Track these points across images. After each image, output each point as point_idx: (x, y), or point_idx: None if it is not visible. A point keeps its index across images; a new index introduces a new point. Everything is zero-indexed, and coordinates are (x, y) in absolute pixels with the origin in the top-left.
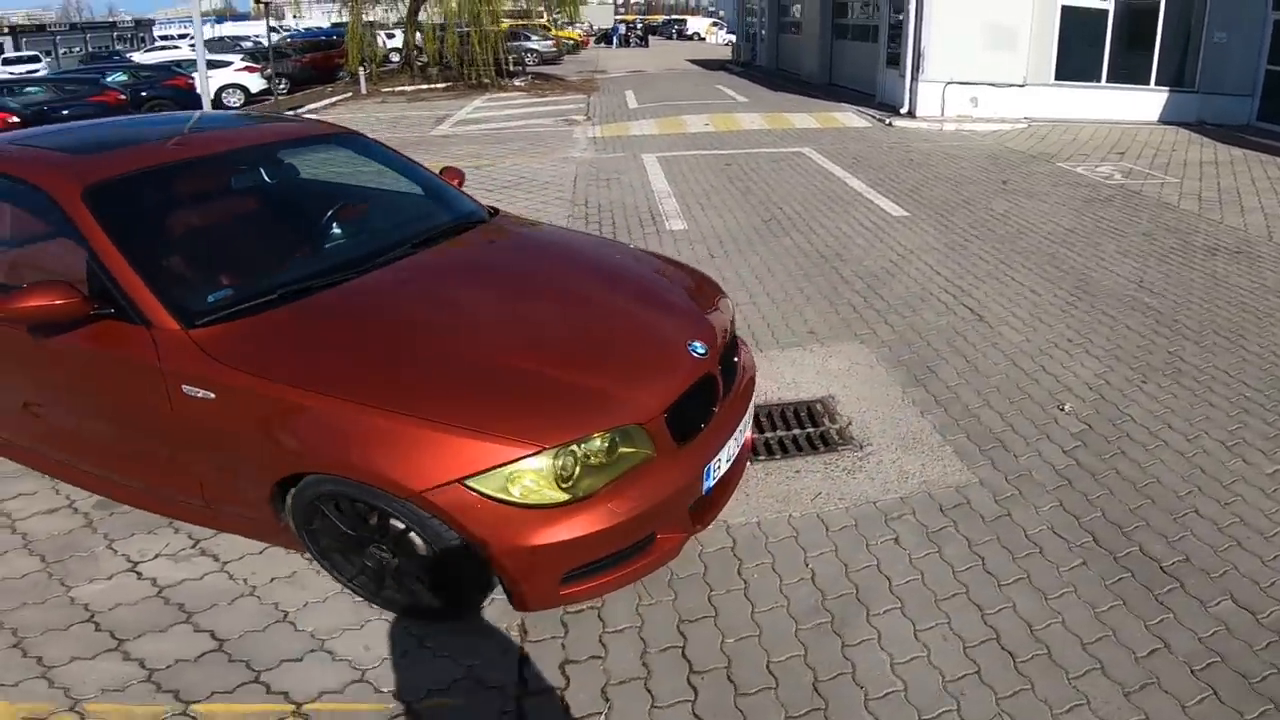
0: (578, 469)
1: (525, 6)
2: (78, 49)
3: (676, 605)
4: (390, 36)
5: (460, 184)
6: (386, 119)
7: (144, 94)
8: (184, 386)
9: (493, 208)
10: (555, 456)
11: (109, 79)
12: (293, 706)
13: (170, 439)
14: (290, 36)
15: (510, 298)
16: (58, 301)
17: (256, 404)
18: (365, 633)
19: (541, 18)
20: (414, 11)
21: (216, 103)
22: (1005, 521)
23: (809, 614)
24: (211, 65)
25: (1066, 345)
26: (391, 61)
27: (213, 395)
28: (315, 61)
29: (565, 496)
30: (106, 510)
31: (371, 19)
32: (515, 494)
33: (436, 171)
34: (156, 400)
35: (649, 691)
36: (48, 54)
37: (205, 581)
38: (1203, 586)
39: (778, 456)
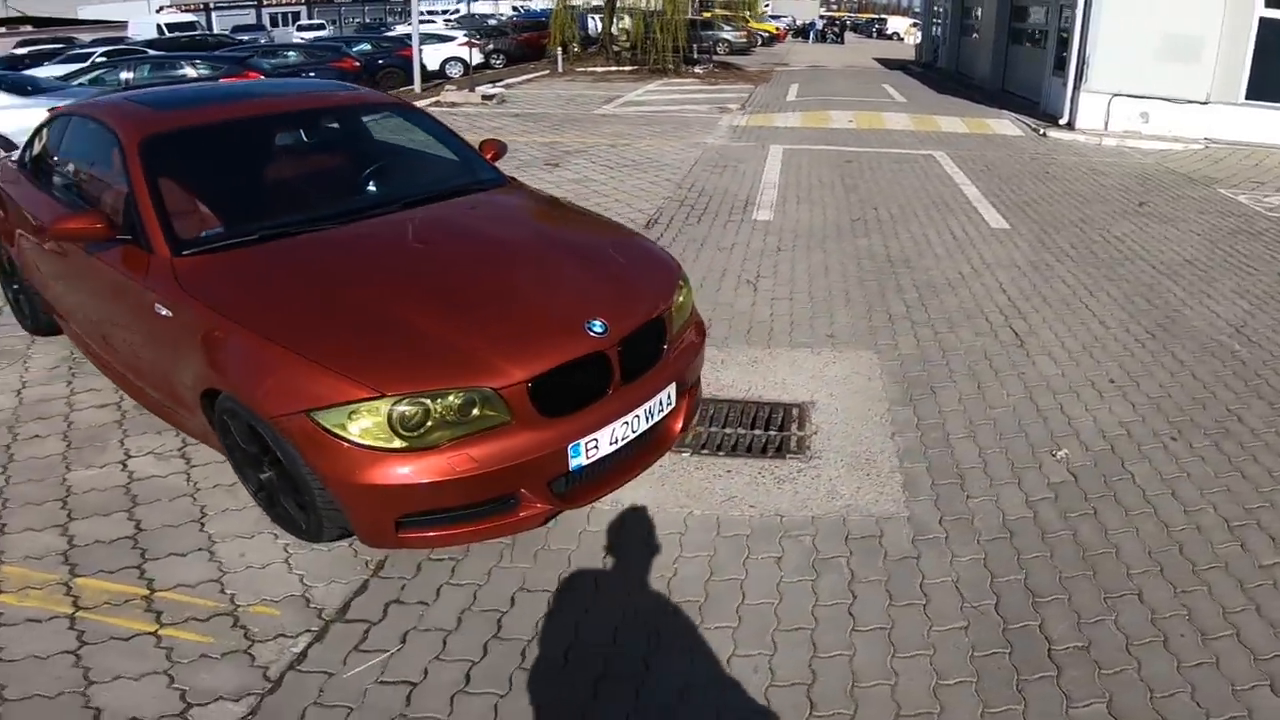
0: (429, 421)
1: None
2: (356, 19)
3: (527, 574)
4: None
5: (495, 155)
6: (564, 96)
7: (380, 62)
8: (156, 304)
9: (510, 178)
10: (396, 403)
11: (353, 49)
12: (146, 592)
13: (148, 347)
14: (517, 16)
15: (443, 257)
16: (95, 225)
17: (195, 325)
18: (251, 543)
19: (737, 10)
20: None
21: (440, 73)
22: (908, 564)
23: (641, 613)
24: (439, 39)
25: (1105, 386)
26: (593, 44)
27: (171, 314)
28: (529, 40)
29: (401, 443)
30: (140, 410)
31: (577, 3)
32: (354, 432)
33: (478, 143)
34: (141, 313)
35: (444, 643)
36: (333, 23)
37: (167, 480)
38: (1083, 682)
39: (721, 453)
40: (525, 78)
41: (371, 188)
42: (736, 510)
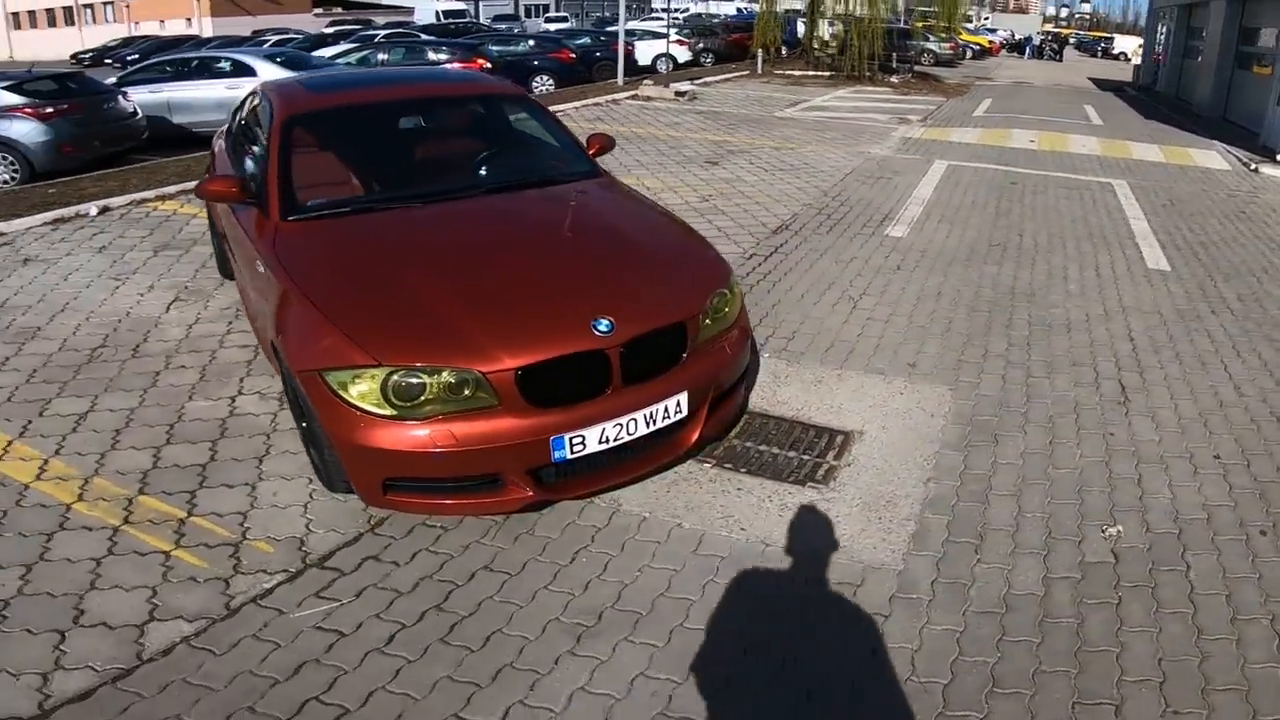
0: (423, 395)
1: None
2: (596, 14)
3: (499, 555)
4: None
5: (600, 149)
6: (753, 97)
7: (597, 55)
8: (258, 261)
9: (604, 173)
10: (391, 374)
11: (574, 41)
12: (184, 516)
13: (255, 298)
14: (736, 17)
15: (487, 244)
16: (231, 189)
17: (275, 283)
18: (289, 484)
19: (946, 20)
20: (814, 2)
21: (651, 68)
22: (868, 623)
23: (576, 613)
24: (654, 36)
25: (1205, 461)
26: (796, 48)
27: (265, 271)
28: (738, 41)
29: (392, 411)
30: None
31: (786, 7)
32: (353, 394)
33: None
34: (253, 268)
35: (390, 604)
36: (575, 16)
37: (258, 418)
38: None
39: (743, 470)
40: (723, 77)
41: (465, 172)
42: (725, 530)
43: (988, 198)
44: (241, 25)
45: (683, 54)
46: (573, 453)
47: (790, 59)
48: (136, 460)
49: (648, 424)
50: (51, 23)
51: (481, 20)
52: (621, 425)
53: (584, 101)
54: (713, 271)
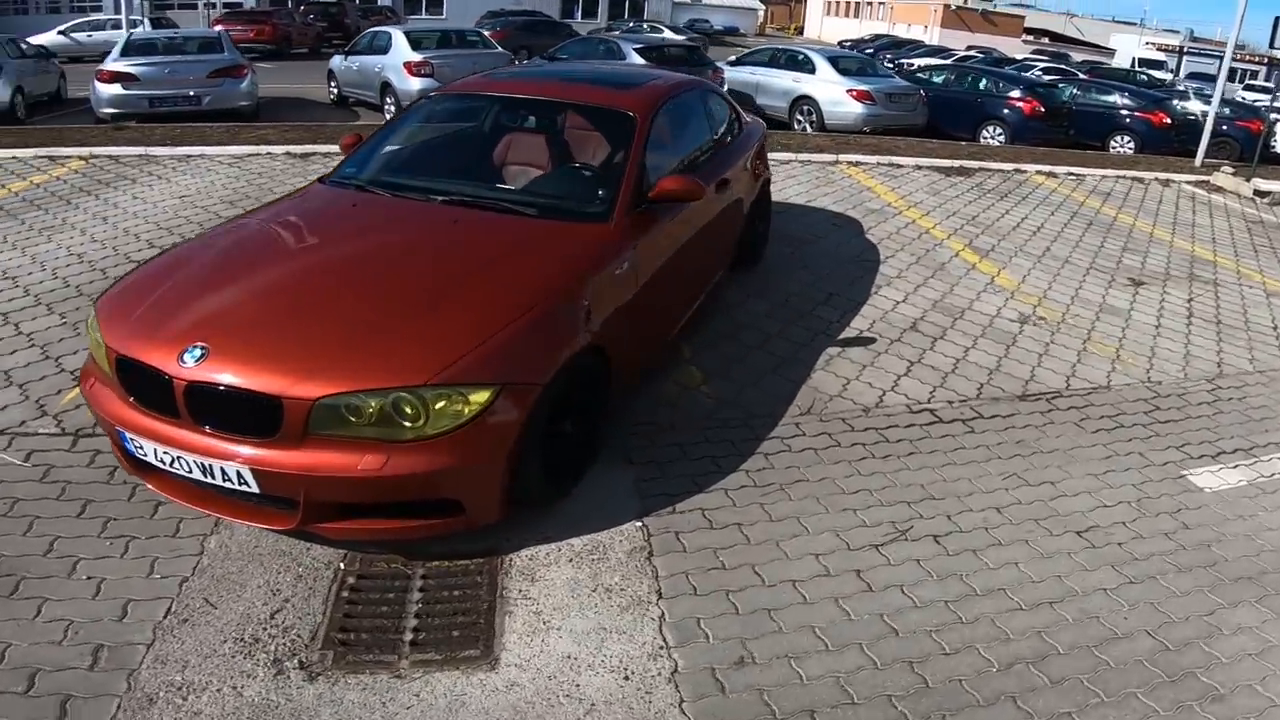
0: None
1: None
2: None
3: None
4: None
5: (671, 195)
6: None
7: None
8: None
9: (617, 217)
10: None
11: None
12: None
13: None
14: None
15: (336, 256)
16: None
17: None
18: None
19: None
20: None
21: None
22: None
23: None
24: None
25: None
26: None
27: None
28: None
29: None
30: None
31: None
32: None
33: None
34: None
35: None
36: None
37: None
38: None
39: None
40: None
41: (494, 183)
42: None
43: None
44: (959, 39)
45: None
46: (139, 453)
47: None
48: None
49: (203, 472)
50: (848, 14)
51: (1180, 74)
52: (177, 458)
53: (1123, 173)
54: (409, 366)
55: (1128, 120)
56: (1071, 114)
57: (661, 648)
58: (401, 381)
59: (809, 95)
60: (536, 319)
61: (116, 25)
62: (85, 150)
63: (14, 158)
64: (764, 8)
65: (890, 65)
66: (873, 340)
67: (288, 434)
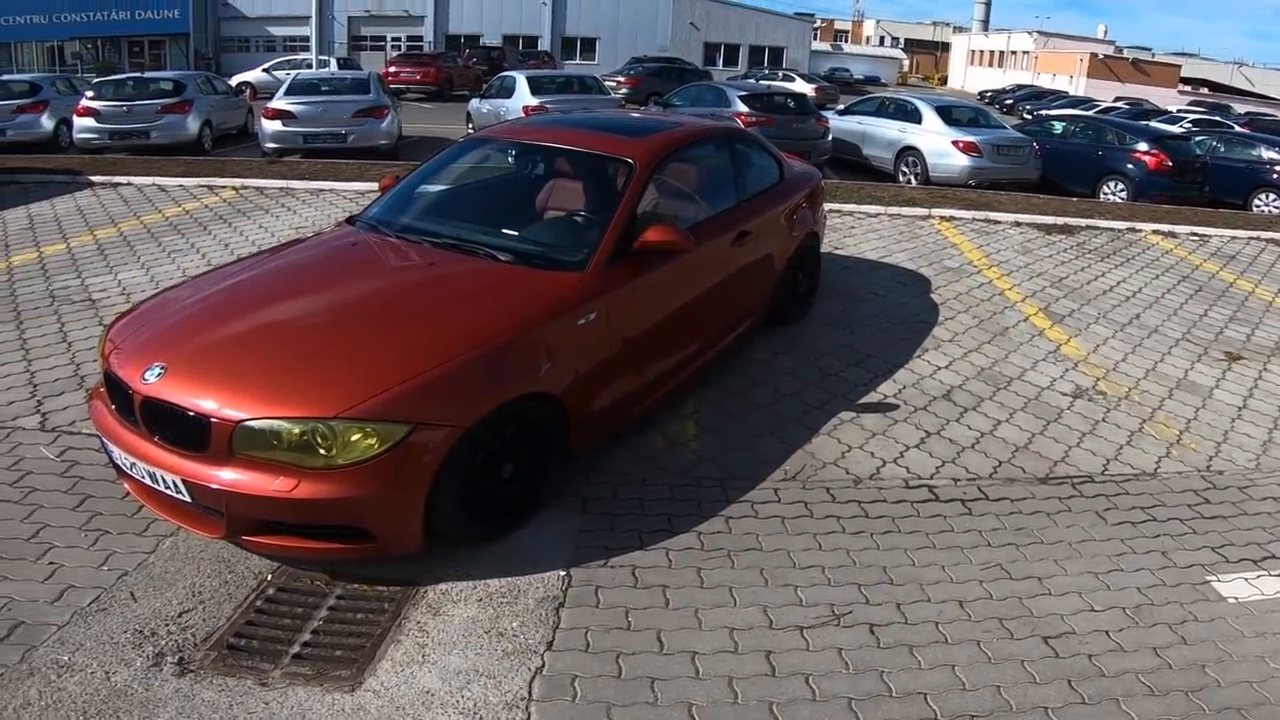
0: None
1: None
2: None
3: None
4: None
5: (657, 245)
6: None
7: None
8: None
9: (593, 269)
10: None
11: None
12: None
13: None
14: None
15: (312, 291)
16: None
17: None
18: None
19: None
20: None
21: None
22: None
23: None
24: None
25: None
26: None
27: None
28: None
29: None
30: None
31: None
32: None
33: None
34: None
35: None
36: None
37: None
38: None
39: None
40: None
41: (493, 227)
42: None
43: None
44: (1108, 89)
45: None
46: (115, 458)
47: None
48: None
49: (152, 479)
50: (992, 64)
51: None
52: (133, 464)
53: (1257, 234)
54: (327, 398)
55: (1275, 176)
56: (1206, 169)
57: (524, 699)
58: (316, 412)
59: (914, 146)
60: (472, 361)
61: (310, 65)
62: (239, 181)
63: (180, 186)
64: (907, 58)
65: (1028, 116)
66: (895, 407)
67: (216, 451)
